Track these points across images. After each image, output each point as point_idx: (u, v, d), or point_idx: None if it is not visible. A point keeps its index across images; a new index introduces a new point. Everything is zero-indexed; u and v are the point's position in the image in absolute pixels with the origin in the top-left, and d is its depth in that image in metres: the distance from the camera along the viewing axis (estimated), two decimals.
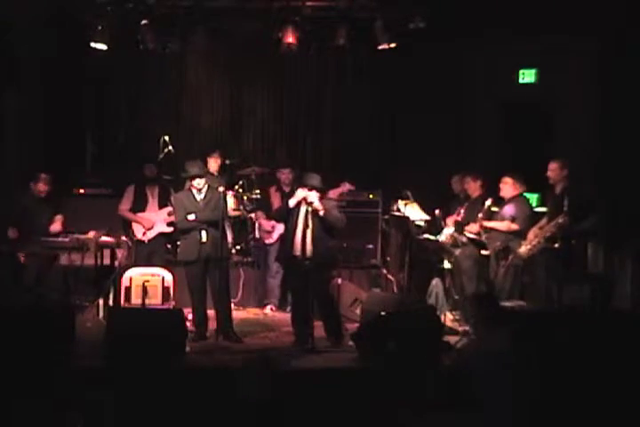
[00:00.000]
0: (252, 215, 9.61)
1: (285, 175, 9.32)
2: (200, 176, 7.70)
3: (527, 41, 9.40)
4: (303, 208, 7.51)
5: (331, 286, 7.79)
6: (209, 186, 7.85)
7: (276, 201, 9.30)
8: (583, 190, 7.74)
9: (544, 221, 7.95)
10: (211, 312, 7.83)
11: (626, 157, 8.47)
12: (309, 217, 7.46)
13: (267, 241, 9.30)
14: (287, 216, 7.60)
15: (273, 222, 9.21)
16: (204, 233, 7.59)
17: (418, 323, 7.17)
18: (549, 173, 7.82)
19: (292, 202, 7.54)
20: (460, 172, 9.13)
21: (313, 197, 7.48)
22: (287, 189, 9.29)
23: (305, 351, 7.31)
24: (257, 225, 9.54)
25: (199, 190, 7.71)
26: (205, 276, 7.70)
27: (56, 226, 8.31)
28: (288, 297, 9.19)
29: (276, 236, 9.20)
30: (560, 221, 7.59)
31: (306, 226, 7.46)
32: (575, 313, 7.36)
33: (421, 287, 8.86)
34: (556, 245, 7.60)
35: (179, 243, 9.54)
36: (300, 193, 7.49)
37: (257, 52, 10.58)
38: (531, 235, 7.87)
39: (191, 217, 7.62)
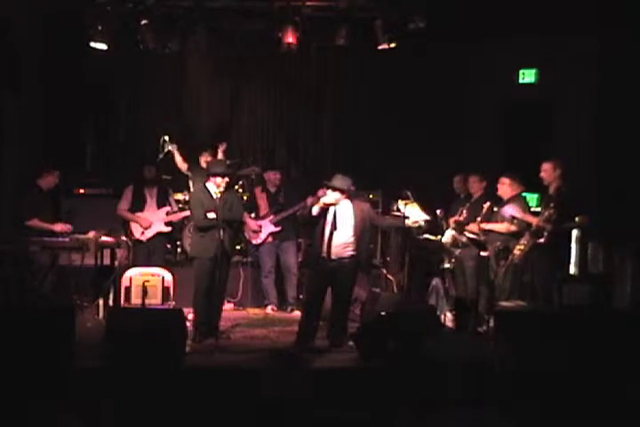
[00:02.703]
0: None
1: (274, 176, 9.35)
2: (226, 175, 7.68)
3: (527, 41, 9.40)
4: (332, 209, 7.52)
5: (353, 287, 7.79)
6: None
7: (261, 202, 9.33)
8: (575, 190, 7.72)
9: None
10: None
11: (625, 156, 8.47)
12: (337, 219, 7.49)
13: (253, 241, 9.31)
14: (313, 219, 7.58)
15: (260, 222, 9.24)
16: (222, 231, 7.57)
17: (418, 323, 7.18)
18: (542, 174, 7.82)
19: (315, 210, 7.51)
20: (462, 172, 9.13)
21: (329, 197, 7.48)
22: (273, 190, 9.32)
23: (305, 351, 7.31)
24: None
25: (219, 186, 7.65)
26: (212, 274, 7.66)
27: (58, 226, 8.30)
28: (288, 297, 9.22)
29: (263, 236, 9.21)
30: (546, 214, 7.60)
31: (333, 228, 7.48)
32: (575, 313, 7.37)
33: (421, 287, 8.87)
34: (542, 240, 7.59)
35: (178, 243, 9.59)
36: (328, 198, 7.50)
37: (257, 52, 10.59)
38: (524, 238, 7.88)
39: (212, 215, 7.58)
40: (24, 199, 8.32)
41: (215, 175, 7.66)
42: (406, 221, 7.80)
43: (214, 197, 7.65)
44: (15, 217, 8.33)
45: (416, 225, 7.74)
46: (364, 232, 7.56)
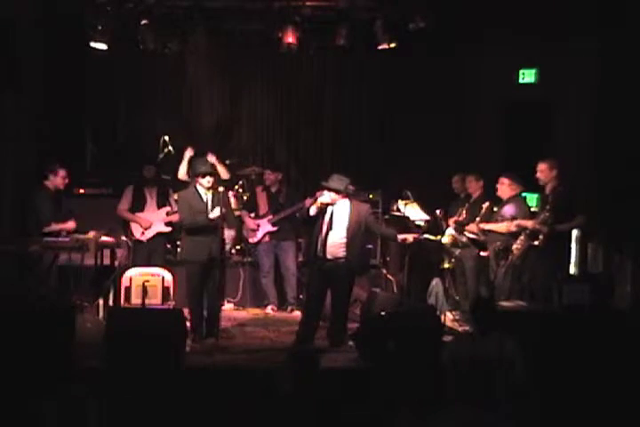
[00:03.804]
0: (238, 214, 9.60)
1: (267, 176, 9.36)
2: (211, 174, 7.67)
3: (527, 41, 9.40)
4: (330, 209, 7.53)
5: (352, 287, 7.77)
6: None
7: (262, 201, 9.33)
8: (571, 191, 7.72)
9: None
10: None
11: (625, 156, 8.46)
12: (334, 219, 7.50)
13: (251, 240, 9.32)
14: (311, 219, 7.60)
15: (258, 221, 9.24)
16: (212, 234, 7.54)
17: (418, 323, 7.17)
18: (539, 174, 7.79)
19: (312, 210, 7.55)
20: (461, 172, 9.13)
21: (325, 197, 7.50)
22: (274, 190, 9.33)
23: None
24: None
25: (208, 189, 7.64)
26: (205, 276, 7.67)
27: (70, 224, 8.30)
28: (287, 297, 9.23)
29: (260, 235, 9.21)
30: (542, 216, 7.60)
31: (329, 228, 7.48)
32: (575, 313, 7.37)
33: (421, 287, 8.86)
34: (536, 243, 7.59)
35: (178, 243, 9.58)
36: (324, 197, 7.52)
37: (257, 52, 10.59)
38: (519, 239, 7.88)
39: (201, 218, 7.56)
40: (38, 205, 8.23)
41: (197, 175, 7.67)
42: (399, 236, 7.73)
43: (204, 198, 7.64)
44: (25, 218, 8.30)
45: (408, 242, 7.70)
46: (355, 234, 7.51)
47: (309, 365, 4.56)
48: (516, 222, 7.84)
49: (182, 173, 9.48)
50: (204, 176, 7.63)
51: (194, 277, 7.67)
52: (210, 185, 7.63)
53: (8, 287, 7.80)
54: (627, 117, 8.45)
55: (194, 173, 7.80)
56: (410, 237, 7.74)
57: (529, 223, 7.72)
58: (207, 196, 7.65)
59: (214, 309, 7.67)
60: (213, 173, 7.79)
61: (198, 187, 7.71)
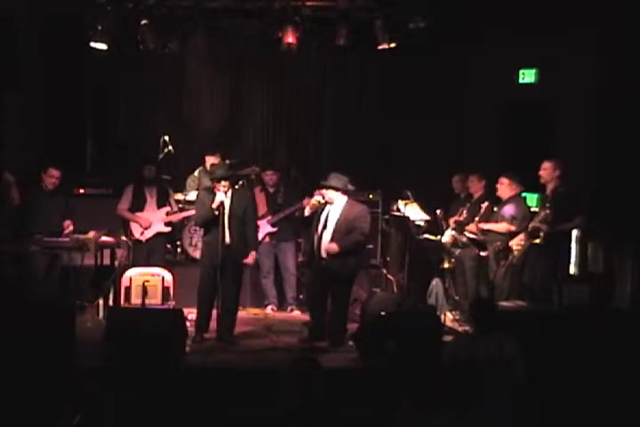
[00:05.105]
0: None
1: (269, 177, 9.34)
2: (226, 178, 7.60)
3: (527, 41, 9.40)
4: (327, 209, 7.53)
5: (350, 287, 7.76)
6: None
7: (260, 201, 9.31)
8: (571, 191, 7.72)
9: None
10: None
11: (625, 156, 8.47)
12: (329, 218, 7.50)
13: None
14: (307, 219, 7.64)
15: (257, 222, 9.21)
16: (227, 235, 7.53)
17: (418, 323, 7.18)
18: (542, 172, 7.83)
19: (306, 211, 7.62)
20: (461, 171, 9.13)
21: (319, 196, 7.50)
22: (272, 190, 9.32)
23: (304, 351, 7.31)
24: None
25: (225, 193, 7.58)
26: (215, 278, 7.58)
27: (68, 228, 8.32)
28: (287, 297, 9.23)
29: (261, 236, 9.19)
30: (542, 214, 7.61)
31: (324, 227, 7.48)
32: (575, 313, 7.37)
33: (421, 287, 8.87)
34: (537, 241, 7.59)
35: (178, 243, 9.59)
36: (317, 197, 7.53)
37: (257, 52, 10.58)
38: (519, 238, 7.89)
39: (216, 202, 7.47)
40: (30, 204, 8.24)
41: (212, 180, 7.65)
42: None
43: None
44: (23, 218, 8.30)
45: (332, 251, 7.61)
46: (340, 234, 7.45)
47: (313, 373, 4.42)
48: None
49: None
50: (219, 181, 7.57)
51: (202, 277, 7.64)
52: (226, 189, 7.56)
53: (8, 287, 7.80)
54: (627, 117, 8.46)
55: (211, 179, 7.77)
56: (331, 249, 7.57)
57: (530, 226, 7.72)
58: (222, 196, 7.54)
59: (225, 311, 7.59)
60: (229, 176, 7.71)
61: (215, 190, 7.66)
